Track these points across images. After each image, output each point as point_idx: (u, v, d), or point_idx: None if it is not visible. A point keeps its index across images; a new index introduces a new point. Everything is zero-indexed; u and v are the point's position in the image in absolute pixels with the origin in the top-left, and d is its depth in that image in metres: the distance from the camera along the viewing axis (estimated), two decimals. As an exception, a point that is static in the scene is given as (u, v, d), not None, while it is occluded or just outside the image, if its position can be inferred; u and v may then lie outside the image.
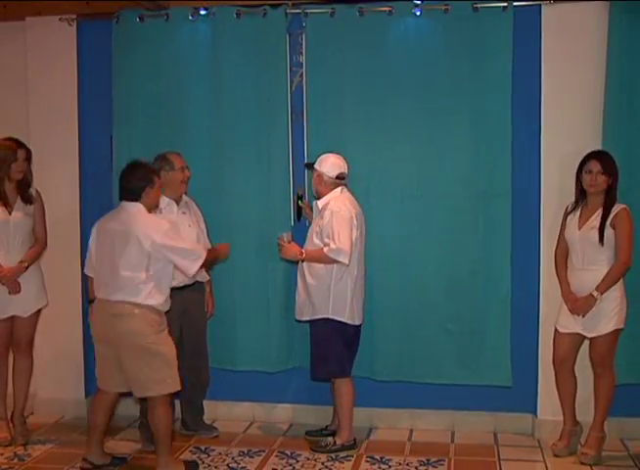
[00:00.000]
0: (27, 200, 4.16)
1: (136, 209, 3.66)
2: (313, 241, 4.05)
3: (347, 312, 4.04)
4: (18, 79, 4.69)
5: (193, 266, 3.69)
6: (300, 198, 4.33)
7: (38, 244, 4.22)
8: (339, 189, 4.09)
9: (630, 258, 3.83)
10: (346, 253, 3.94)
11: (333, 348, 4.04)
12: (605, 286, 3.81)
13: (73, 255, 4.67)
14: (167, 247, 3.59)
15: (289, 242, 4.06)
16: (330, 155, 4.10)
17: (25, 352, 4.26)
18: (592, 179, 3.88)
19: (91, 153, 4.71)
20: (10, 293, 4.10)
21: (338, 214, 3.97)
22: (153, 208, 3.80)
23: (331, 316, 4.02)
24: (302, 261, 4.05)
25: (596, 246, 3.83)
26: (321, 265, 4.00)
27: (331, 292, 4.01)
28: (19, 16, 4.60)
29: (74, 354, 4.72)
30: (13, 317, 4.17)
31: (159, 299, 3.63)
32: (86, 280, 4.66)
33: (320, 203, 4.09)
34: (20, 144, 4.12)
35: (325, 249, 3.95)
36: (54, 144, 4.66)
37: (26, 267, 4.12)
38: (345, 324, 4.04)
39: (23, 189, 4.16)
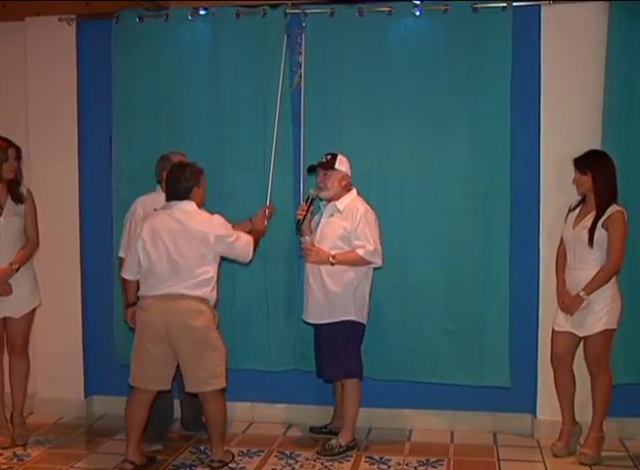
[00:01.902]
0: (18, 199, 4.11)
1: (192, 207, 3.77)
2: (337, 243, 4.00)
3: (365, 314, 4.08)
4: (17, 80, 4.70)
5: (249, 251, 3.90)
6: (312, 202, 4.17)
7: (29, 244, 4.17)
8: (355, 190, 4.10)
9: (620, 260, 3.83)
10: (381, 254, 3.99)
11: (352, 348, 4.06)
12: (592, 287, 3.82)
13: (73, 255, 4.68)
14: (228, 239, 3.77)
15: (313, 246, 4.02)
16: (341, 154, 4.07)
17: (21, 354, 4.22)
18: (574, 180, 3.98)
19: (91, 153, 4.70)
20: (0, 295, 4.06)
21: (369, 216, 4.00)
22: (201, 205, 3.89)
23: (353, 318, 4.02)
24: (332, 265, 3.98)
25: (586, 246, 3.84)
26: (345, 267, 3.98)
27: (354, 294, 4.01)
28: (18, 16, 4.61)
29: (74, 355, 4.72)
30: (5, 319, 4.14)
31: (215, 295, 3.79)
32: (87, 280, 4.73)
33: (340, 204, 4.03)
34: (9, 143, 4.09)
35: (360, 251, 3.95)
36: (53, 144, 4.66)
37: (17, 269, 4.08)
38: (363, 325, 4.08)
39: (14, 188, 4.11)
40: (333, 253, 3.98)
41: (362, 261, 3.99)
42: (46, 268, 4.43)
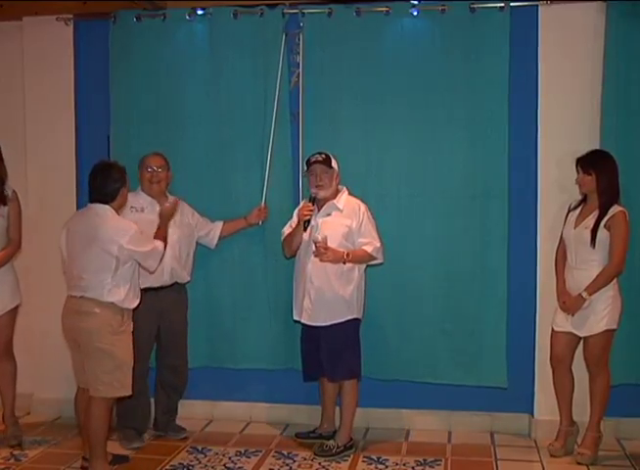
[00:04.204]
0: (2, 200, 4.04)
1: (105, 211, 3.64)
2: (341, 242, 3.98)
3: (363, 310, 4.10)
4: (14, 79, 4.69)
5: (154, 265, 3.77)
6: (314, 201, 4.10)
7: (11, 245, 4.11)
8: (345, 188, 4.10)
9: (622, 261, 3.83)
10: (383, 251, 4.02)
11: (356, 347, 4.07)
12: (594, 287, 3.82)
13: (70, 255, 4.67)
14: (133, 251, 3.61)
15: (327, 245, 3.92)
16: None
17: (5, 354, 4.15)
18: (577, 180, 3.96)
19: (88, 153, 4.68)
20: None
21: (369, 213, 4.02)
22: (124, 205, 3.84)
23: (356, 315, 4.04)
24: (344, 264, 3.96)
25: (588, 246, 3.84)
26: (351, 266, 3.98)
27: (358, 291, 4.03)
28: (15, 15, 4.60)
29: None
30: None
31: (119, 295, 3.61)
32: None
33: (339, 202, 4.03)
34: None
35: (369, 248, 3.96)
36: (50, 144, 4.66)
37: None
38: (360, 320, 4.09)
39: None
40: (342, 251, 3.95)
41: (369, 258, 4.02)
42: (43, 268, 4.43)
